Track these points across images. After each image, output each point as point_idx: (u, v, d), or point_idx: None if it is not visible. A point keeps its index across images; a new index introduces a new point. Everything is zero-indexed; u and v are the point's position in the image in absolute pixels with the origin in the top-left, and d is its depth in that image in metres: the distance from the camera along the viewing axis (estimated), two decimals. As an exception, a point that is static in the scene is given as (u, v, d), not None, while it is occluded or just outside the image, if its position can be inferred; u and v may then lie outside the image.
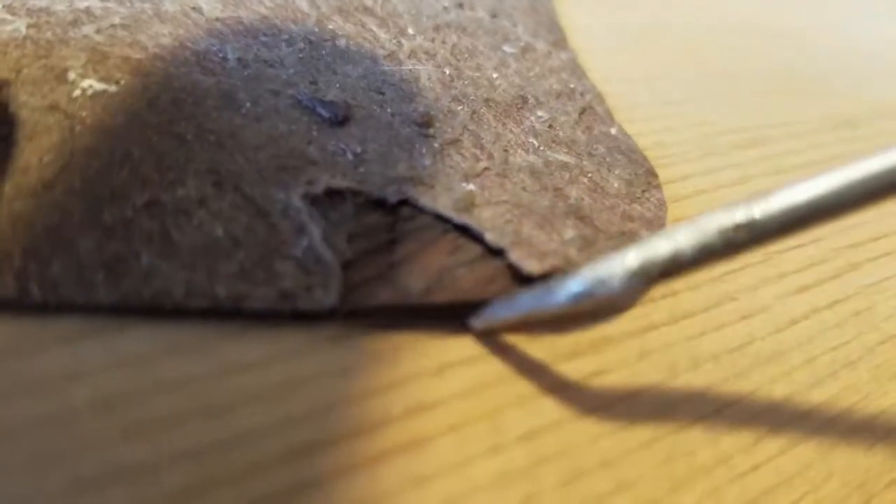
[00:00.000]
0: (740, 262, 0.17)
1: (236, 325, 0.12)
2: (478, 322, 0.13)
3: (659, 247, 0.11)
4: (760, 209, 0.11)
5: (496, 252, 0.14)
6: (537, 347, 0.14)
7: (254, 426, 0.11)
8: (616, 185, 0.17)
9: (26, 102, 0.14)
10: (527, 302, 0.13)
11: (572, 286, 0.12)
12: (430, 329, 0.13)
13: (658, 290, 0.16)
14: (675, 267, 0.11)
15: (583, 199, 0.16)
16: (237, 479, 0.10)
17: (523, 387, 0.13)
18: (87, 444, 0.10)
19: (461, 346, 0.13)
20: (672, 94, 0.23)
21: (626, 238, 0.15)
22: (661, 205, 0.17)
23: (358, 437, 0.11)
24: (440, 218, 0.14)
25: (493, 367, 0.13)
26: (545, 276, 0.13)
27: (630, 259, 0.12)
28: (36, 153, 0.13)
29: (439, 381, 0.12)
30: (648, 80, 0.23)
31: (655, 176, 0.18)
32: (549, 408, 0.13)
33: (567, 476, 0.12)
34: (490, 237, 0.14)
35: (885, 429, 0.15)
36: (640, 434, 0.13)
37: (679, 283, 0.16)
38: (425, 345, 0.13)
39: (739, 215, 0.11)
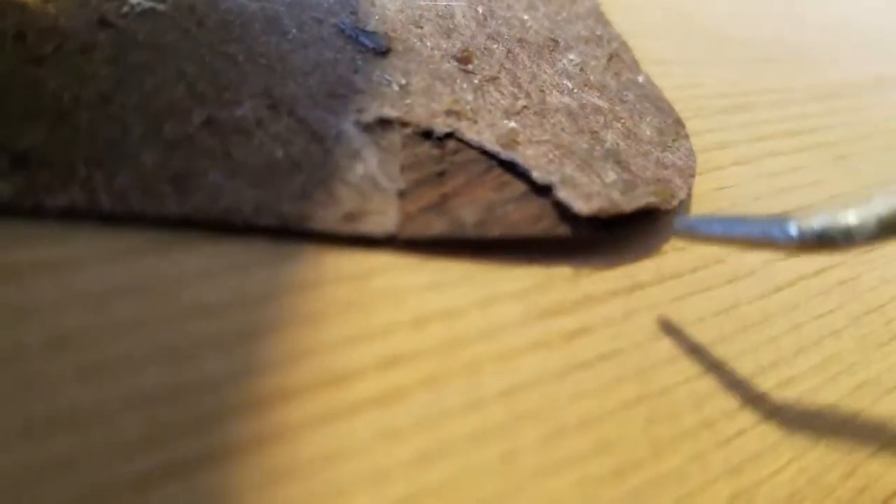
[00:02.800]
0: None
1: (200, 266, 0.11)
2: (682, 226, 0.13)
3: None
4: None
5: (541, 190, 0.14)
6: (519, 303, 0.13)
7: (216, 373, 0.10)
8: (648, 132, 0.17)
9: (75, 16, 0.13)
10: (745, 229, 0.12)
11: (812, 225, 0.11)
12: (407, 281, 0.13)
13: (644, 250, 0.15)
14: None
15: (618, 143, 0.16)
16: (196, 427, 0.10)
17: (503, 343, 0.12)
18: (38, 386, 0.09)
19: (438, 300, 0.13)
20: (662, 53, 0.23)
21: (661, 184, 0.15)
22: (691, 154, 0.17)
23: (327, 388, 0.11)
24: (485, 153, 0.15)
25: (472, 321, 0.13)
26: (592, 218, 0.14)
27: (880, 209, 0.11)
28: (90, 66, 0.13)
29: (415, 334, 0.12)
30: (641, 38, 0.23)
31: (683, 126, 0.18)
32: (530, 365, 0.12)
33: (547, 434, 0.12)
34: (537, 175, 0.14)
35: (869, 399, 0.15)
36: (623, 394, 0.13)
37: (665, 244, 0.16)
38: (401, 296, 0.12)
39: None
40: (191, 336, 0.11)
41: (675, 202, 0.15)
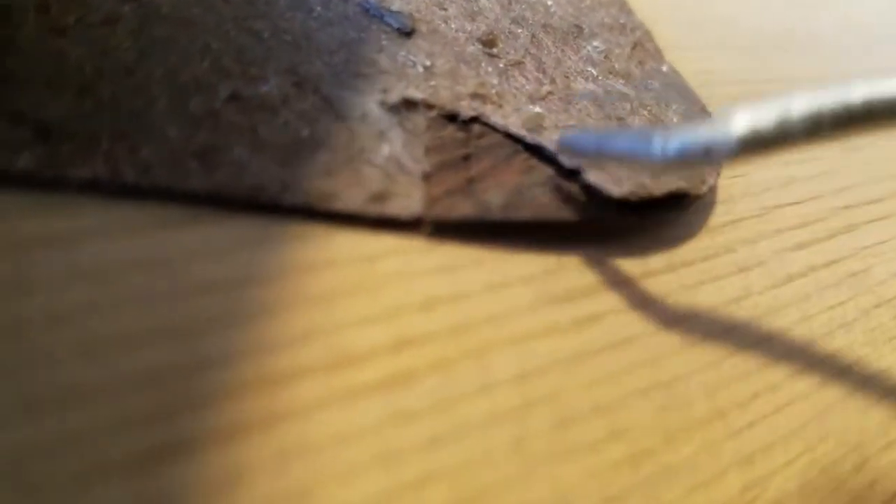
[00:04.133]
0: (737, 214, 0.17)
1: (208, 242, 0.11)
2: (565, 142, 0.13)
3: (768, 116, 0.10)
4: (877, 92, 0.10)
5: (570, 173, 0.14)
6: (529, 289, 0.13)
7: (224, 350, 0.10)
8: (675, 119, 0.17)
9: (98, -14, 0.13)
10: (621, 144, 0.12)
11: (672, 144, 0.11)
12: (416, 264, 0.12)
13: (655, 238, 0.15)
14: (783, 141, 0.10)
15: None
16: (204, 405, 0.10)
17: (514, 327, 0.12)
18: (40, 361, 0.09)
19: (448, 283, 0.12)
20: (672, 39, 0.23)
21: (688, 169, 0.15)
22: (717, 142, 0.17)
23: (337, 369, 0.11)
24: (510, 137, 0.14)
25: (483, 305, 0.12)
26: (623, 201, 0.14)
27: (741, 125, 0.10)
28: (114, 38, 0.13)
29: (425, 317, 0.12)
30: (653, 23, 0.23)
31: (709, 114, 0.18)
32: (541, 350, 0.12)
33: (558, 420, 0.12)
34: (564, 159, 0.14)
35: (880, 392, 0.15)
36: (635, 382, 0.13)
37: (676, 232, 0.16)
38: (410, 279, 0.12)
39: (856, 94, 0.10)
40: (199, 312, 0.10)
41: (704, 188, 0.15)
